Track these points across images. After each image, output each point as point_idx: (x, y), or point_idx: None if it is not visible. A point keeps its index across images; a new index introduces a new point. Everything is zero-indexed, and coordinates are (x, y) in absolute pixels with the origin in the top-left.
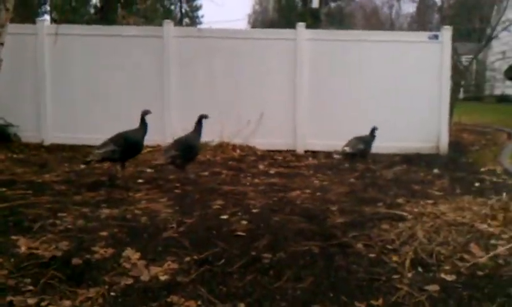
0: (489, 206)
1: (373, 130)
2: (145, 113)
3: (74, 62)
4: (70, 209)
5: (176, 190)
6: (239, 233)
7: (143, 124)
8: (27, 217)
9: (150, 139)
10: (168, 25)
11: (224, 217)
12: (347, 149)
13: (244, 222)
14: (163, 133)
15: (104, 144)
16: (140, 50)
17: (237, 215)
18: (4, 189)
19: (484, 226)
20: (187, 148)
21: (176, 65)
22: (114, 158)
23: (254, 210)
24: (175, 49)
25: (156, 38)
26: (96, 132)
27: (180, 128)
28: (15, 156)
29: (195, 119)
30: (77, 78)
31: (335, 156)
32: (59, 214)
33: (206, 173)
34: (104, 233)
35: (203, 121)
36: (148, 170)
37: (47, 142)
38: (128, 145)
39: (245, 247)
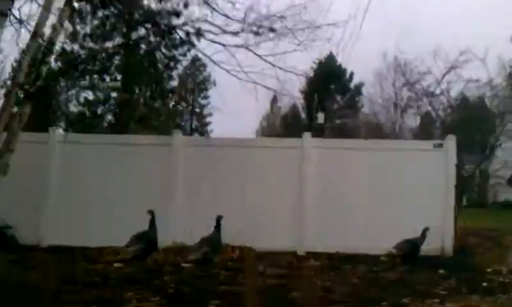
0: (499, 304)
1: (424, 231)
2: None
3: (82, 170)
4: None
5: (170, 290)
6: None
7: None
8: None
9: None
10: (177, 135)
11: None
12: (394, 251)
13: None
14: (164, 236)
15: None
16: (151, 158)
17: None
18: None
19: None
20: (214, 245)
21: (183, 171)
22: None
23: None
24: (183, 156)
25: (166, 147)
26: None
27: (183, 230)
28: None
29: (199, 222)
30: (84, 186)
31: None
32: None
33: (203, 274)
34: None
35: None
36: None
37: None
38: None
39: None
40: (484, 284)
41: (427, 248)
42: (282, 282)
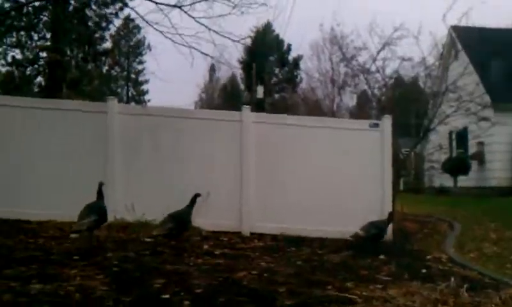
0: (439, 291)
1: (390, 214)
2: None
3: (12, 135)
4: None
5: (115, 268)
6: None
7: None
8: None
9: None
10: (112, 101)
11: (166, 296)
12: (361, 232)
13: (187, 302)
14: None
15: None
16: (85, 125)
17: (179, 295)
18: None
19: None
20: (181, 222)
21: (120, 142)
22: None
23: (197, 290)
24: (120, 126)
25: (100, 114)
26: (35, 206)
27: (123, 204)
28: None
29: (139, 195)
30: (15, 150)
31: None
32: None
33: (147, 252)
34: None
35: (198, 199)
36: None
37: None
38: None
39: None
40: (424, 270)
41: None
42: (226, 262)
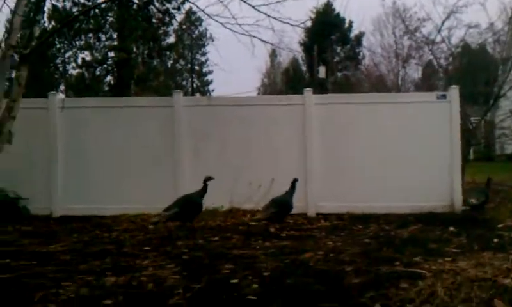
0: (511, 260)
1: (488, 180)
2: (208, 179)
3: (86, 134)
4: (74, 278)
5: (184, 256)
6: (250, 297)
7: (204, 188)
8: (29, 287)
9: (160, 207)
10: (178, 95)
11: (234, 281)
12: (474, 201)
13: (255, 285)
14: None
15: (169, 208)
16: (151, 120)
17: (247, 279)
18: (8, 260)
19: (507, 281)
20: (283, 206)
21: (187, 134)
22: (177, 218)
23: (265, 273)
24: (186, 118)
25: (167, 108)
26: (109, 201)
27: None
28: (23, 228)
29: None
30: (88, 149)
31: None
32: (63, 283)
33: (216, 238)
34: (108, 302)
35: (296, 184)
36: (157, 238)
37: (56, 215)
38: (187, 207)
39: None
40: (495, 240)
41: (436, 205)
42: (293, 244)
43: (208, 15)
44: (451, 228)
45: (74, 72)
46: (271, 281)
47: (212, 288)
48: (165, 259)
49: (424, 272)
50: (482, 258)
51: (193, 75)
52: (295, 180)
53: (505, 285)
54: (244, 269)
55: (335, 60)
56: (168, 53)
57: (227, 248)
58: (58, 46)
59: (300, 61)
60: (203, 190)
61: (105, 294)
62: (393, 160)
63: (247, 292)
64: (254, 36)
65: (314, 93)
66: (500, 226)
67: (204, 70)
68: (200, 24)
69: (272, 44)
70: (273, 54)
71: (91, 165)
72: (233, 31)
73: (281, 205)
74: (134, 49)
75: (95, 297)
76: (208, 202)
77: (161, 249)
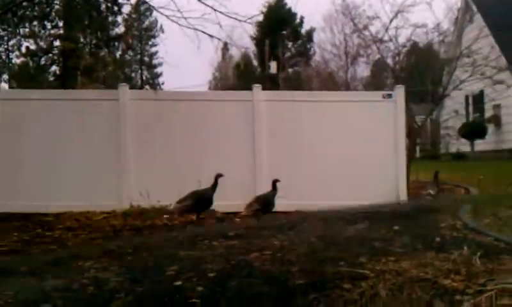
0: (452, 260)
1: (436, 174)
2: (219, 176)
3: (27, 127)
4: (13, 280)
5: (129, 257)
6: (193, 300)
7: (215, 184)
8: None
9: (105, 205)
10: (124, 88)
11: (178, 283)
12: (432, 191)
13: (200, 288)
14: (119, 198)
15: (182, 200)
16: (97, 113)
17: (192, 281)
18: None
19: (447, 282)
20: (266, 204)
21: (132, 128)
22: (190, 210)
23: (210, 275)
24: (132, 112)
25: (112, 101)
26: (50, 198)
27: (137, 191)
28: None
29: (153, 182)
30: (31, 143)
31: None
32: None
33: (162, 238)
34: (47, 305)
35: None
36: (101, 237)
37: None
38: (201, 200)
39: None
40: (438, 239)
41: (383, 202)
42: (241, 243)
43: (153, 7)
44: (396, 227)
45: (18, 61)
46: (216, 283)
47: (154, 291)
48: (108, 260)
49: (367, 272)
50: (424, 258)
51: (142, 67)
52: (275, 181)
53: (445, 286)
54: (189, 270)
55: (286, 55)
56: (116, 43)
57: (173, 248)
58: (1, 33)
59: (252, 55)
60: (214, 186)
61: (43, 298)
62: (341, 158)
63: (190, 295)
64: (199, 30)
65: (265, 88)
66: (443, 225)
67: (154, 61)
68: (150, 15)
69: (218, 39)
70: (225, 48)
71: (32, 160)
72: (179, 24)
73: (264, 202)
74: (81, 39)
75: (32, 301)
76: (155, 200)
77: (105, 249)
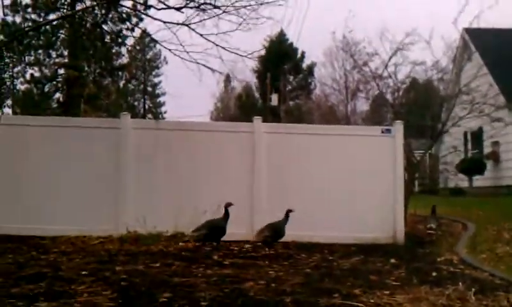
0: (446, 296)
1: (433, 208)
2: (228, 205)
3: (29, 152)
4: (3, 303)
5: (123, 283)
6: None
7: (226, 213)
8: None
9: (102, 229)
10: (125, 117)
11: None
12: (433, 225)
13: None
14: (116, 223)
15: (198, 229)
16: (99, 141)
17: None
18: None
19: None
20: (277, 231)
21: (133, 156)
22: (204, 239)
23: (203, 303)
24: (133, 141)
25: (114, 130)
26: (49, 222)
27: (134, 218)
28: None
29: (150, 209)
30: (31, 168)
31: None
32: None
33: (157, 264)
34: None
35: (290, 214)
36: (96, 262)
37: None
38: (215, 229)
39: None
40: (434, 274)
41: (379, 236)
42: (235, 272)
43: (156, 41)
44: (392, 260)
45: (22, 87)
46: None
47: None
48: (102, 285)
49: (361, 305)
50: (419, 293)
51: (145, 96)
52: (289, 210)
53: None
54: (182, 298)
55: (287, 88)
56: (120, 73)
57: (167, 275)
58: (7, 61)
59: (253, 87)
60: (226, 215)
61: None
62: (338, 191)
63: None
64: (201, 64)
65: (266, 120)
66: (439, 259)
67: (157, 91)
68: (154, 46)
69: (220, 72)
70: (227, 79)
71: (32, 184)
72: (181, 57)
73: (275, 230)
74: (86, 67)
75: None
76: (151, 226)
77: (99, 274)
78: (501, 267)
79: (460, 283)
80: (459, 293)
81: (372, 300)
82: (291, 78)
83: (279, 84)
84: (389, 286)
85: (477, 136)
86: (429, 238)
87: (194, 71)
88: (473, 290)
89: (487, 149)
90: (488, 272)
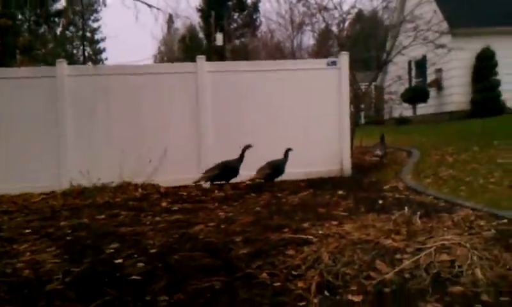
0: (393, 221)
1: (382, 137)
2: (247, 147)
3: None
4: None
5: (68, 237)
6: (134, 277)
7: (242, 155)
8: None
9: (44, 186)
10: (61, 64)
11: (119, 261)
12: (379, 153)
13: (141, 264)
14: (58, 179)
15: (211, 169)
16: (34, 91)
17: (132, 257)
18: None
19: (388, 242)
20: (277, 169)
21: (72, 106)
22: (216, 179)
23: (152, 251)
24: (70, 89)
25: (50, 78)
26: None
27: (77, 170)
28: None
29: (93, 160)
30: None
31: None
32: None
33: (103, 216)
34: None
35: (289, 153)
36: (39, 219)
37: None
38: (228, 170)
39: (140, 291)
40: (380, 201)
41: (328, 169)
42: (185, 217)
43: None
44: (340, 192)
45: None
46: (157, 258)
47: (94, 270)
48: (45, 241)
49: (310, 237)
50: (366, 220)
51: (84, 43)
52: (288, 149)
53: (386, 246)
54: (130, 247)
55: (232, 27)
56: (56, 19)
57: (114, 226)
58: None
59: (198, 27)
60: (241, 157)
61: None
62: (286, 127)
63: (131, 272)
64: (138, 0)
65: (212, 60)
66: (385, 187)
67: (97, 37)
68: None
69: (158, 8)
70: (170, 20)
71: None
72: None
73: (275, 167)
74: (19, 15)
75: None
76: (95, 177)
77: (42, 231)
78: (445, 190)
79: (406, 208)
80: (405, 217)
81: (320, 232)
82: (236, 15)
83: (224, 22)
84: (337, 217)
85: (420, 65)
86: (376, 166)
87: (131, 8)
88: (418, 213)
89: (430, 77)
90: (433, 195)
